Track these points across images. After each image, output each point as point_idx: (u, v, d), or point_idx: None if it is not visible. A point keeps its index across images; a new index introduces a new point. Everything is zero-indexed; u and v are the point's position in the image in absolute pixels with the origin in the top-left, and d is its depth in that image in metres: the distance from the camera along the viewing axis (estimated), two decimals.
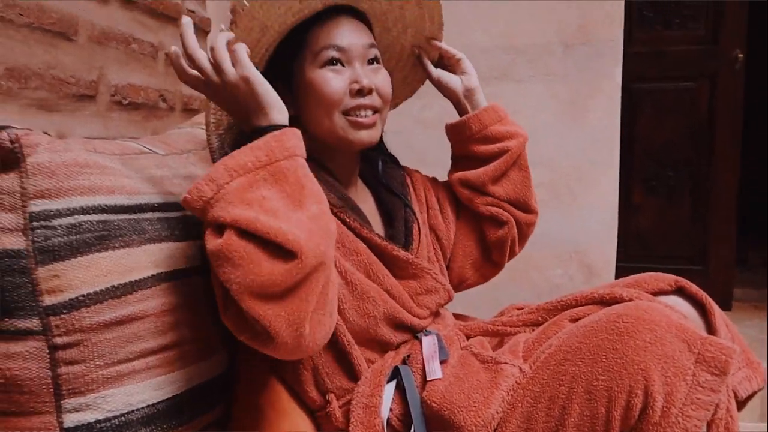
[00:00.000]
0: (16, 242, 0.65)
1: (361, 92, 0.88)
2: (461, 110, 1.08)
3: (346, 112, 0.89)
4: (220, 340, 0.85)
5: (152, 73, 1.33)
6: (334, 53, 0.88)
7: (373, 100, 0.89)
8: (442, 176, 1.17)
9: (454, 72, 1.07)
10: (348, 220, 0.90)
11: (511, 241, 1.09)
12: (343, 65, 0.89)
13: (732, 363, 0.74)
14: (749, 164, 3.06)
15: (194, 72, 0.76)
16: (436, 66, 1.08)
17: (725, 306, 2.50)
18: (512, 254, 1.12)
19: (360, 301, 0.87)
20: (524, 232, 1.10)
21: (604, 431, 0.74)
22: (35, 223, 0.66)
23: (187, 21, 0.75)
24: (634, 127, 2.57)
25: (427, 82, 1.12)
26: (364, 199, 1.00)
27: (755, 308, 2.57)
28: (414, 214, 1.01)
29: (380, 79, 0.91)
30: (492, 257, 1.11)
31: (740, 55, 2.44)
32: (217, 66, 0.75)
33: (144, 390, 0.73)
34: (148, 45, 1.30)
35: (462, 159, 1.09)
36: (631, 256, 2.55)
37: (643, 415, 0.73)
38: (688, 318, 0.86)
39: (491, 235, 1.08)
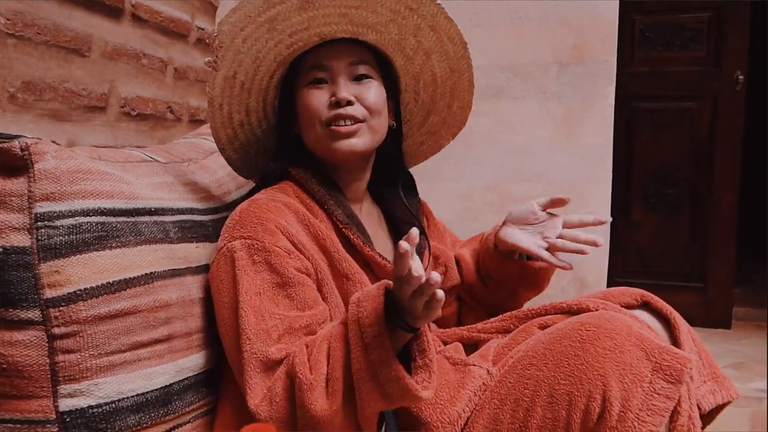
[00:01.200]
0: (22, 240, 0.72)
1: (338, 104, 0.93)
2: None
3: (328, 123, 0.94)
4: (209, 337, 0.91)
5: (161, 86, 1.41)
6: (317, 72, 0.95)
7: (354, 110, 0.93)
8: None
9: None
10: (352, 237, 0.94)
11: None
12: (326, 83, 0.95)
13: (686, 372, 0.78)
14: (749, 183, 3.07)
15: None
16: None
17: (724, 324, 2.50)
18: None
19: None
20: None
21: None
22: (40, 223, 0.72)
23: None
24: (635, 145, 2.60)
25: None
26: (369, 216, 1.04)
27: (756, 327, 2.55)
28: (427, 241, 1.05)
29: (365, 91, 0.94)
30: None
31: (741, 77, 2.47)
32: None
33: (134, 380, 0.78)
34: (157, 60, 1.38)
35: (494, 275, 1.13)
36: (631, 273, 2.56)
37: (601, 419, 0.77)
38: (652, 329, 0.90)
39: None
